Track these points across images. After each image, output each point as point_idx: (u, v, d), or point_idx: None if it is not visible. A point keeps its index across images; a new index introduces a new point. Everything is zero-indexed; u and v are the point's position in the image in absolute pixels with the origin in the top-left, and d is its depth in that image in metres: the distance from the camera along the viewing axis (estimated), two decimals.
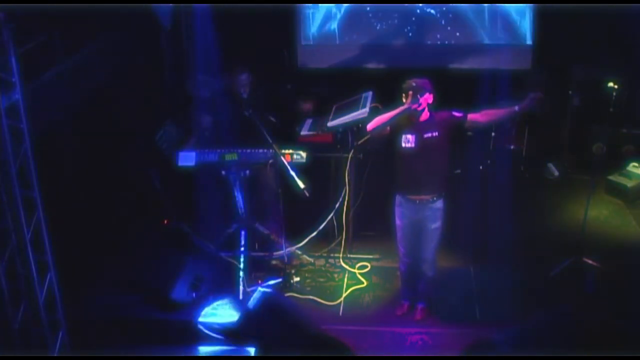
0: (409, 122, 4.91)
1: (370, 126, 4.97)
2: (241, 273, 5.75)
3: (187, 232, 6.28)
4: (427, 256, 5.20)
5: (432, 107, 4.96)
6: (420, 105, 4.83)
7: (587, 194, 5.94)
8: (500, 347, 4.38)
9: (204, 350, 4.92)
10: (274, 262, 6.17)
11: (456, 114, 4.94)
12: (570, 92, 7.86)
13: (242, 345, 4.78)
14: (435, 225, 5.09)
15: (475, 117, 4.96)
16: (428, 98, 4.88)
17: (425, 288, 5.37)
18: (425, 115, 4.93)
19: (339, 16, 8.68)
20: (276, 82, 6.43)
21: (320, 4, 8.64)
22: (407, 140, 4.93)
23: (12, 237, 4.37)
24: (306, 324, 5.05)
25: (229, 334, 5.12)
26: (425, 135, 4.91)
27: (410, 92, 4.82)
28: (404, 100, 4.88)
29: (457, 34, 8.53)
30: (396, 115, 4.85)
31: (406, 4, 8.51)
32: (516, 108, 4.93)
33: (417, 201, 5.05)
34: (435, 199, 5.03)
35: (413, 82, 4.87)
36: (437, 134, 4.91)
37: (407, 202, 5.10)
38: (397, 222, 5.21)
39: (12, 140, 4.25)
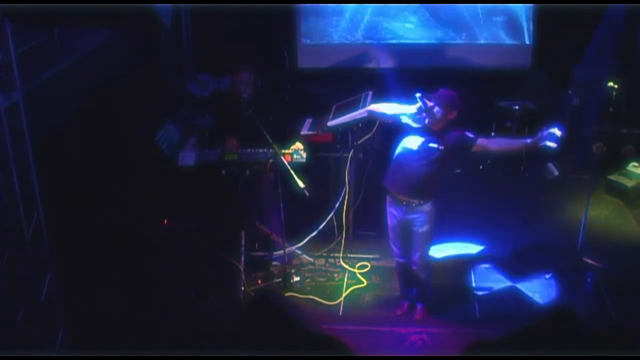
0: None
1: (374, 108, 4.96)
2: (241, 273, 5.76)
3: (187, 232, 6.28)
4: (417, 259, 5.15)
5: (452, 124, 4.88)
6: (425, 118, 4.80)
7: (587, 194, 5.94)
8: (500, 347, 4.37)
9: None
10: (274, 262, 6.18)
11: (468, 134, 4.84)
12: (570, 92, 7.86)
13: None
14: (423, 229, 5.00)
15: (485, 143, 4.87)
16: (446, 112, 4.78)
17: (420, 290, 5.36)
18: (441, 126, 4.85)
19: (338, 15, 8.70)
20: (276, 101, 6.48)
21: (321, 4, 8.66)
22: (411, 141, 4.91)
23: (12, 237, 4.38)
24: (306, 324, 5.04)
25: None
26: (430, 144, 4.84)
27: (425, 101, 4.74)
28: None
29: (457, 33, 8.54)
30: (399, 114, 4.86)
31: (406, 4, 8.52)
32: (528, 141, 4.80)
33: (404, 202, 5.00)
34: (422, 202, 4.96)
35: (434, 94, 4.78)
36: (441, 147, 4.82)
37: (395, 202, 5.06)
38: (388, 222, 5.19)
39: (12, 140, 4.25)
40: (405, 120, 4.91)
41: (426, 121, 4.84)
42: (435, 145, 4.82)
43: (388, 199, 5.14)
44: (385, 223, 5.31)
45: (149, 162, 6.51)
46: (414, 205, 4.97)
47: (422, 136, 4.88)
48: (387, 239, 5.34)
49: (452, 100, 4.83)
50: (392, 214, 5.12)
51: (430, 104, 4.77)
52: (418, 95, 4.76)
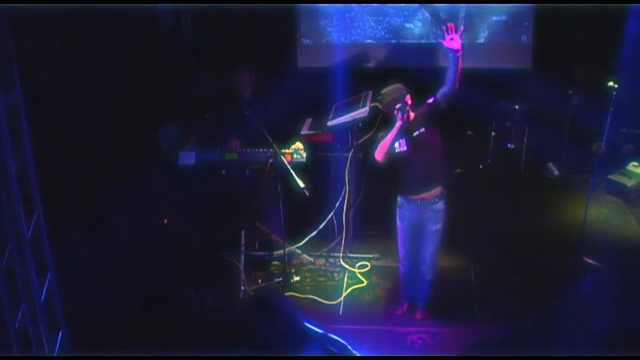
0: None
1: (379, 156, 5.02)
2: (241, 273, 5.76)
3: (188, 232, 6.28)
4: (427, 259, 5.20)
5: (413, 106, 5.00)
6: (409, 112, 4.90)
7: (587, 194, 5.93)
8: (500, 346, 4.37)
9: None
10: (274, 261, 6.18)
11: (428, 101, 4.95)
12: (570, 92, 7.86)
13: None
14: (436, 227, 5.09)
15: (442, 91, 4.88)
16: (408, 100, 4.93)
17: (424, 290, 5.37)
18: (410, 116, 4.97)
19: (338, 15, 8.69)
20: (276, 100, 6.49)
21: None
22: (399, 145, 4.97)
23: (11, 237, 4.37)
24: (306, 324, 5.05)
25: None
26: (414, 134, 4.94)
27: (398, 106, 4.85)
28: (386, 111, 4.94)
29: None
30: (397, 134, 4.91)
31: (406, 4, 8.52)
32: (449, 54, 4.79)
33: (419, 202, 5.05)
34: (437, 199, 5.04)
35: (392, 94, 4.91)
36: (423, 129, 4.93)
37: (408, 204, 5.11)
38: (398, 224, 5.21)
39: (12, 140, 4.25)
40: (400, 134, 4.96)
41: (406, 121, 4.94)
42: (417, 133, 4.93)
43: (399, 200, 5.17)
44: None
45: (149, 162, 6.50)
46: (427, 203, 5.02)
47: (403, 136, 4.95)
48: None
49: (402, 90, 4.95)
50: (404, 215, 5.16)
51: (399, 105, 4.87)
52: (398, 106, 4.85)
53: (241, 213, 5.98)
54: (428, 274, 5.27)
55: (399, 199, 5.17)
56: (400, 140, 4.96)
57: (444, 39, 4.70)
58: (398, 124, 4.88)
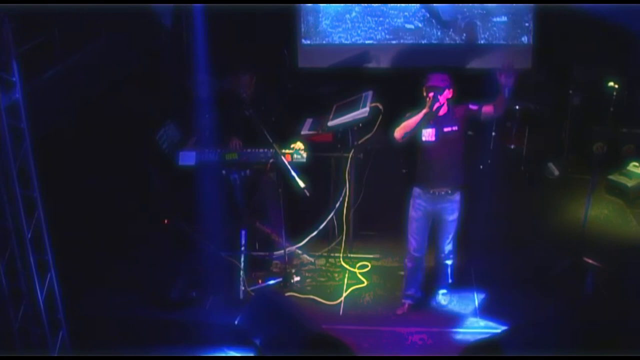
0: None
1: (398, 135, 5.02)
2: (241, 273, 5.76)
3: (188, 232, 6.28)
4: (447, 247, 5.32)
5: (451, 101, 5.02)
6: (441, 105, 4.91)
7: (587, 194, 5.94)
8: (501, 347, 4.38)
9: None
10: (274, 261, 6.18)
11: (472, 107, 5.01)
12: (570, 92, 7.86)
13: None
14: (453, 217, 5.21)
15: (488, 109, 4.97)
16: (448, 94, 4.94)
17: (445, 278, 5.50)
18: (444, 109, 4.99)
19: (338, 16, 8.70)
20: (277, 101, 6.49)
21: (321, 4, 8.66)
22: (428, 134, 5.01)
23: (12, 237, 4.38)
24: (306, 324, 5.05)
25: None
26: (445, 129, 4.99)
27: (431, 94, 4.88)
28: (424, 94, 4.94)
29: (457, 33, 8.54)
30: (421, 120, 4.93)
31: (406, 4, 8.52)
32: (503, 92, 4.86)
33: (436, 193, 5.12)
34: (452, 191, 5.13)
35: (432, 82, 4.92)
36: (456, 128, 5.01)
37: (425, 194, 5.17)
38: (412, 213, 5.25)
39: (12, 140, 4.25)
40: (426, 121, 4.96)
41: (439, 112, 4.94)
42: (449, 129, 4.99)
43: (416, 191, 5.22)
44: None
45: (149, 162, 6.50)
46: (445, 194, 5.13)
47: (434, 126, 4.99)
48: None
49: (445, 82, 4.96)
50: (420, 205, 5.21)
51: (433, 94, 4.89)
52: (431, 94, 4.87)
53: (241, 213, 5.98)
54: (449, 261, 5.39)
55: (415, 189, 5.21)
56: (430, 130, 5.00)
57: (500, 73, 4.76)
58: (425, 110, 4.89)
